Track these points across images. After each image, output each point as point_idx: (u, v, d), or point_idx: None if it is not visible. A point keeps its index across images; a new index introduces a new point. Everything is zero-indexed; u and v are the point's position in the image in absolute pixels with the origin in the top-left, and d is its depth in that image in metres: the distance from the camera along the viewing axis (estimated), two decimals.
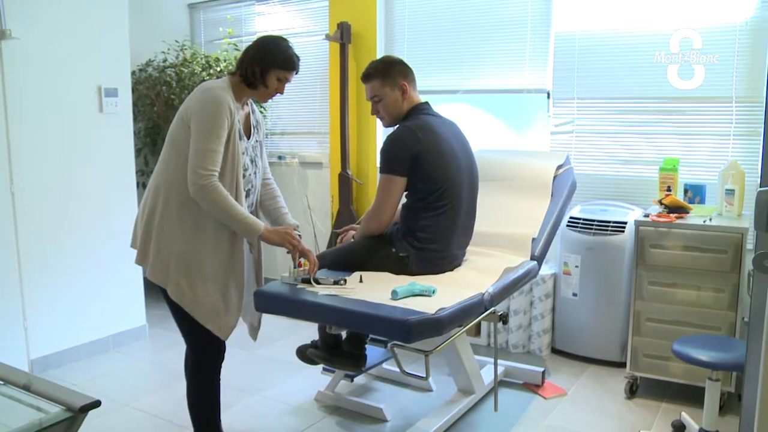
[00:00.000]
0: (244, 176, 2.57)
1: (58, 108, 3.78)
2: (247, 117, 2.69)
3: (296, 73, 2.65)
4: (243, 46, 5.38)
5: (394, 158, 2.85)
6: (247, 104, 2.69)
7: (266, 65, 2.54)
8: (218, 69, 4.95)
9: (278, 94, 2.64)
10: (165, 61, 5.10)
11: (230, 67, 5.04)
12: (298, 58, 2.63)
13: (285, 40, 2.65)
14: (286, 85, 2.62)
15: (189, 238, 2.50)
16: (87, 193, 3.93)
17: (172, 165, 2.50)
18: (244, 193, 2.58)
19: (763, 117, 2.01)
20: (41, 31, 3.66)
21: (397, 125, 2.96)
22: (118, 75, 4.09)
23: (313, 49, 5.15)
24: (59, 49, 3.76)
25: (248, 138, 2.64)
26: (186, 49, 5.14)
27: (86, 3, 3.88)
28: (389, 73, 2.95)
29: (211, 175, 2.39)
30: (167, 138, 2.55)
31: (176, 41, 5.18)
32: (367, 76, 2.99)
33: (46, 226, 3.75)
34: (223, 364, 2.77)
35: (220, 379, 2.72)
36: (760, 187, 1.71)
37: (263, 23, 5.42)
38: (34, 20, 3.61)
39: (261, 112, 5.31)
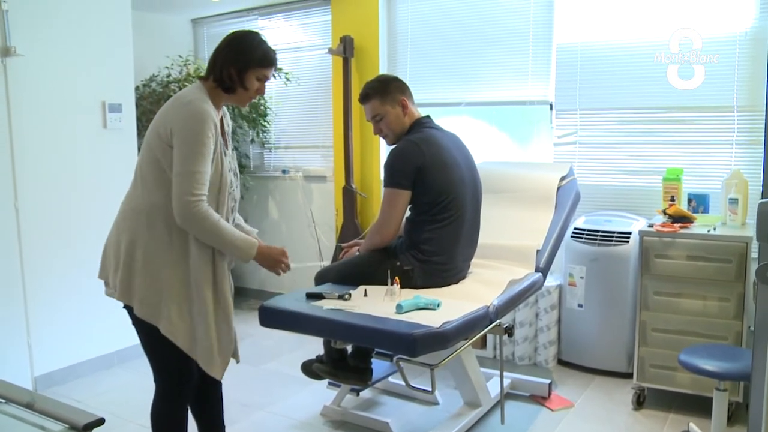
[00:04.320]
0: (229, 193, 2.36)
1: (62, 123, 3.79)
2: (222, 124, 2.41)
3: (275, 70, 2.45)
4: None
5: (398, 172, 2.85)
6: (220, 109, 2.41)
7: (243, 66, 2.31)
8: None
9: (259, 95, 2.44)
10: (169, 76, 5.13)
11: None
12: (274, 52, 2.42)
13: (257, 34, 2.44)
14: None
15: (178, 267, 2.28)
16: (91, 209, 3.93)
17: (155, 187, 2.26)
18: (230, 214, 2.41)
19: (764, 127, 2.02)
20: (45, 47, 3.68)
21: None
22: (121, 90, 4.11)
23: (316, 63, 5.17)
24: (63, 65, 3.78)
25: (227, 149, 2.41)
26: (190, 64, 5.17)
27: (90, 19, 3.91)
28: (387, 90, 2.96)
29: (200, 200, 2.18)
30: (145, 156, 2.30)
31: (180, 56, 5.21)
32: (365, 97, 2.99)
33: (50, 241, 3.75)
34: (230, 380, 2.72)
35: (187, 417, 2.49)
36: (762, 198, 1.71)
37: (266, 37, 5.43)
38: (38, 37, 3.63)
39: (263, 126, 5.32)
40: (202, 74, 2.41)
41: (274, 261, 2.38)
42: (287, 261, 2.40)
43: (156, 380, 2.44)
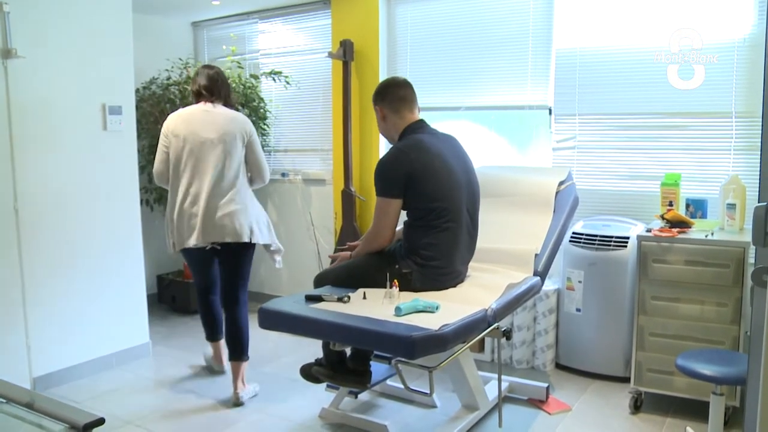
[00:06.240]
0: None
1: (62, 125, 3.80)
2: None
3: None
4: (246, 64, 5.47)
5: (387, 181, 2.88)
6: None
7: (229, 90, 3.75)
8: None
9: None
10: (169, 78, 5.14)
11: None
12: None
13: None
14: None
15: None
16: (90, 211, 3.94)
17: (244, 175, 3.61)
18: None
19: (761, 133, 2.03)
20: (46, 49, 3.69)
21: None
22: (122, 93, 4.12)
23: (315, 66, 5.18)
24: (64, 68, 3.79)
25: None
26: (189, 66, 5.17)
27: (91, 21, 3.92)
28: (374, 98, 3.10)
29: None
30: (231, 160, 3.48)
31: (180, 59, 5.22)
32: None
33: (50, 243, 3.76)
34: (228, 382, 2.76)
35: None
36: (759, 202, 1.73)
37: (266, 41, 5.46)
38: (39, 39, 3.64)
39: (263, 129, 5.34)
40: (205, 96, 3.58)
41: None
42: None
43: (243, 292, 3.82)
